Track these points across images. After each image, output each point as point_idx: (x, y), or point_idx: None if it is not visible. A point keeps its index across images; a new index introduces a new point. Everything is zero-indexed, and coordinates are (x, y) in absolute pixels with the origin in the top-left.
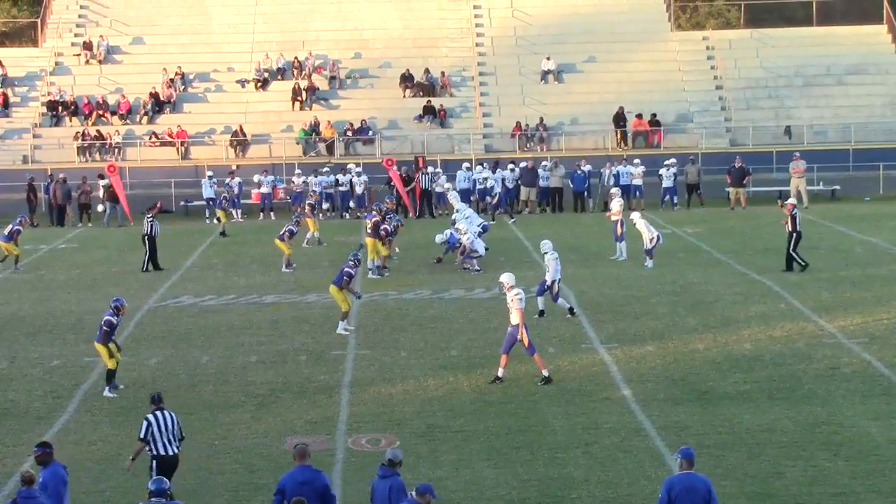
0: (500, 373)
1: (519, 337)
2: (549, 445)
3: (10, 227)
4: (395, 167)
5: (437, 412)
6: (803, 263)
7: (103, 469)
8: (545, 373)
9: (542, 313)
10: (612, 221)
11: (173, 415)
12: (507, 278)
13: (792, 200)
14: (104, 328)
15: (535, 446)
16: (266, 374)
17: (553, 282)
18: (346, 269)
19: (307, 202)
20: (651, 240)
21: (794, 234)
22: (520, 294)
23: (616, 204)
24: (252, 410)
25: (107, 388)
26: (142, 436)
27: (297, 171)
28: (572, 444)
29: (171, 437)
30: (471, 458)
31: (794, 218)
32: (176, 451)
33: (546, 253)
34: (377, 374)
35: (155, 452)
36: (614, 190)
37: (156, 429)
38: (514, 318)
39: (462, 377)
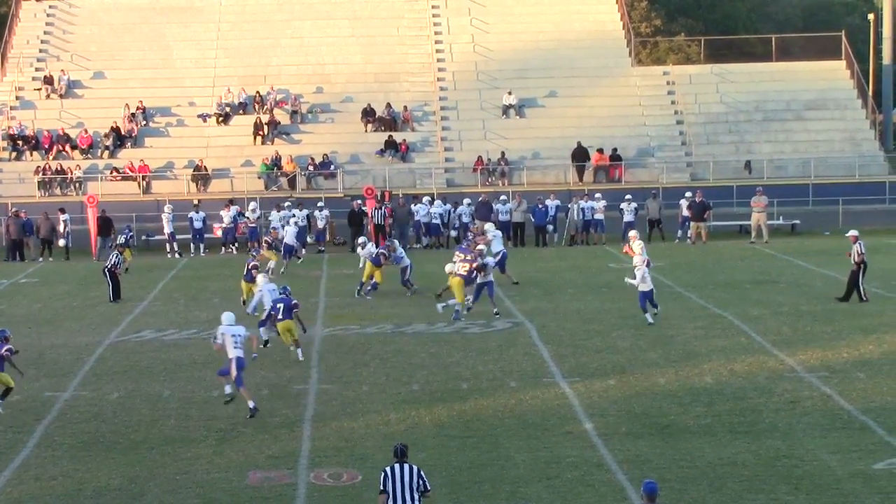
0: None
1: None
2: (511, 479)
3: None
4: (375, 197)
5: None
6: (865, 298)
7: None
8: (251, 404)
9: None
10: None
11: (415, 468)
12: (225, 318)
13: (854, 232)
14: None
15: (497, 480)
16: (228, 408)
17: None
18: (294, 301)
19: (265, 239)
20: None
21: (862, 265)
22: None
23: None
24: (214, 445)
25: None
26: (381, 488)
27: (252, 206)
28: (534, 477)
29: (409, 492)
30: (433, 492)
31: (859, 248)
32: None
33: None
34: (339, 408)
35: None
36: (633, 233)
37: (391, 482)
38: (230, 353)
39: (424, 411)
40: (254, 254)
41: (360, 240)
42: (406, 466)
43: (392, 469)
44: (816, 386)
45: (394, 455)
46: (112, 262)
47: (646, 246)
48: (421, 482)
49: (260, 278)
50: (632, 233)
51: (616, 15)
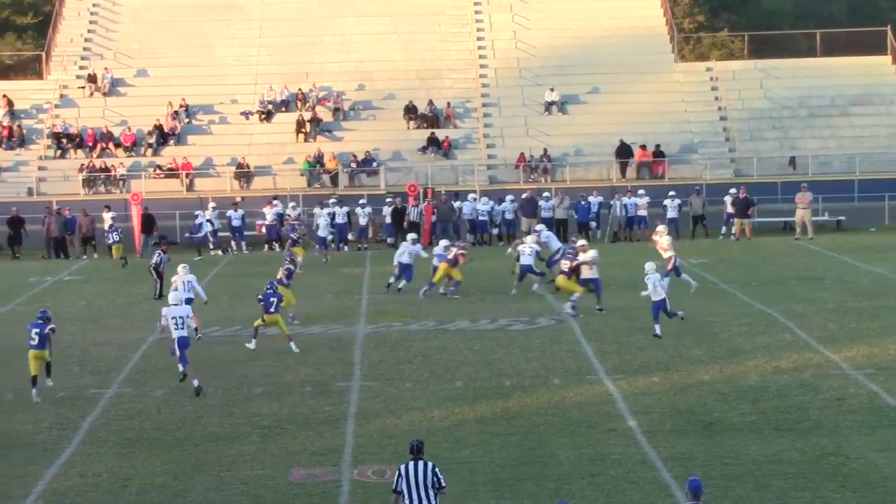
0: None
1: None
2: (555, 477)
3: None
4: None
5: (442, 444)
6: None
7: (109, 500)
8: (195, 383)
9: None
10: (670, 258)
11: (430, 464)
12: (171, 298)
13: None
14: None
15: (541, 477)
16: (271, 405)
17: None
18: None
19: (291, 236)
20: (669, 259)
21: None
22: None
23: (667, 240)
24: (257, 442)
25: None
26: (393, 487)
27: (292, 203)
28: (578, 475)
29: (424, 490)
30: (476, 489)
31: None
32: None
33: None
34: (382, 405)
35: None
36: (661, 227)
37: (405, 481)
38: (173, 334)
39: (467, 408)
40: (288, 258)
41: (411, 236)
42: (421, 463)
43: (406, 467)
44: (863, 383)
45: (409, 451)
46: (156, 261)
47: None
48: (436, 479)
49: (181, 268)
50: (660, 227)
51: (659, 10)
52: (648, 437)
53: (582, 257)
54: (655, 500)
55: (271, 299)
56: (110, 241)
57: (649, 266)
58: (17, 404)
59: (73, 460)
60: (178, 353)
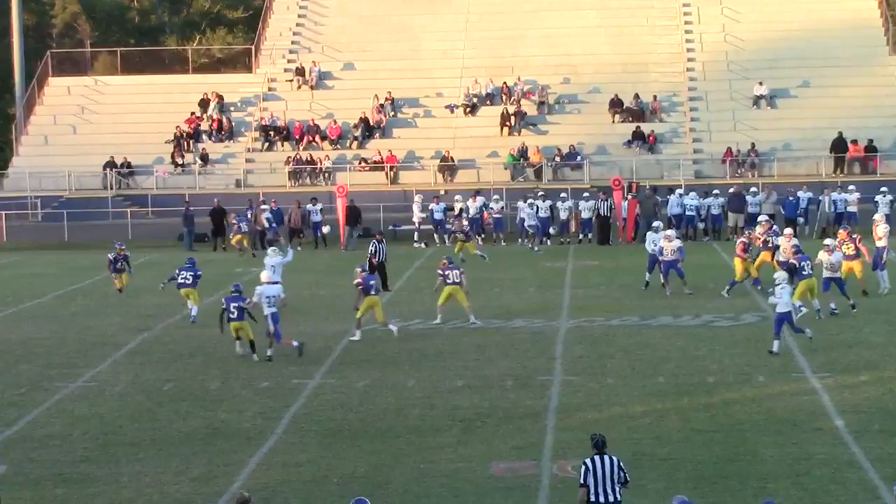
0: None
1: None
2: (759, 475)
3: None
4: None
5: (643, 439)
6: None
7: (311, 490)
8: (294, 343)
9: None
10: (878, 249)
11: (615, 459)
12: (263, 276)
13: None
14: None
15: (744, 476)
16: (472, 398)
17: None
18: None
19: (461, 230)
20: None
21: None
22: None
23: (883, 229)
24: (458, 435)
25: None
26: (581, 481)
27: (495, 196)
28: (782, 474)
29: (610, 484)
30: (677, 486)
31: None
32: (615, 498)
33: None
34: (583, 400)
35: (594, 499)
36: (878, 216)
37: (592, 475)
38: (264, 311)
39: (669, 405)
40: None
41: (656, 224)
42: (606, 458)
43: (593, 461)
44: None
45: (593, 446)
46: (371, 250)
47: None
48: (622, 473)
49: (270, 251)
50: (876, 216)
51: (873, 2)
52: (856, 436)
53: (826, 258)
54: (863, 502)
55: (371, 282)
56: (238, 231)
57: (781, 275)
58: (222, 393)
59: (275, 450)
60: (272, 328)
